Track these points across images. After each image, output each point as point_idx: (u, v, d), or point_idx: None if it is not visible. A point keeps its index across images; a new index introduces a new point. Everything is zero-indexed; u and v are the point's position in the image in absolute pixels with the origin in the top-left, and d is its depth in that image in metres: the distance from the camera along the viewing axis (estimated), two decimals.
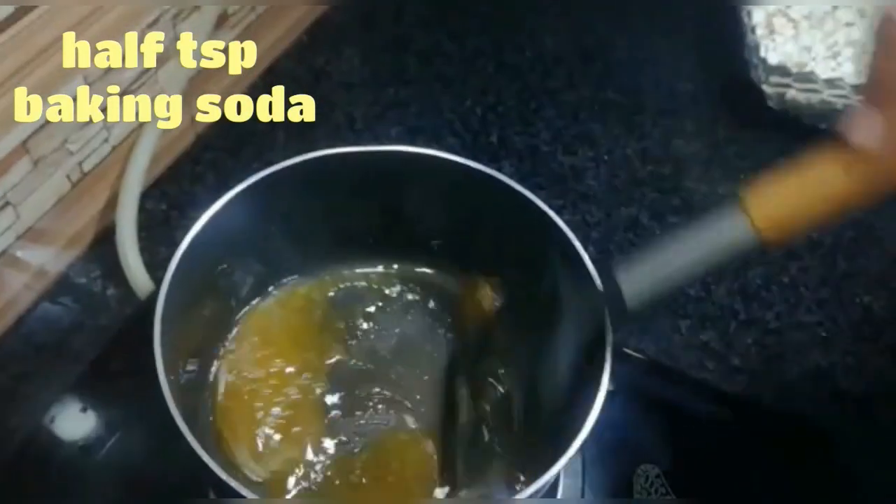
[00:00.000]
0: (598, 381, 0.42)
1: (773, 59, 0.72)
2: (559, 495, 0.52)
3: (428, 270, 0.58)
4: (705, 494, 0.55)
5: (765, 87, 0.74)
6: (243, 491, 0.39)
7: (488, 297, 0.53)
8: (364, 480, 0.50)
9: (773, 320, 0.65)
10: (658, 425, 0.58)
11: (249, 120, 0.74)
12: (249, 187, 0.48)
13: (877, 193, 0.38)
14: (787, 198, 0.39)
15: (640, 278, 0.42)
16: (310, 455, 0.51)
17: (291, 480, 0.50)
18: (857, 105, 0.37)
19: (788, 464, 0.58)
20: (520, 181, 0.50)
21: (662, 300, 0.42)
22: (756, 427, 0.59)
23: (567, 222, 0.49)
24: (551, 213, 0.48)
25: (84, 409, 0.56)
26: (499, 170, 0.51)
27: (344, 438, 0.52)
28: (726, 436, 0.59)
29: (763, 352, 0.63)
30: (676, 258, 0.41)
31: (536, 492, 0.40)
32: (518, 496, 0.39)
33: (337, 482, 0.50)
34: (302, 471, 0.50)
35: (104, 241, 0.64)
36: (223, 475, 0.39)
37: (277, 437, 0.51)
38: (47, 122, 0.54)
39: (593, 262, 0.46)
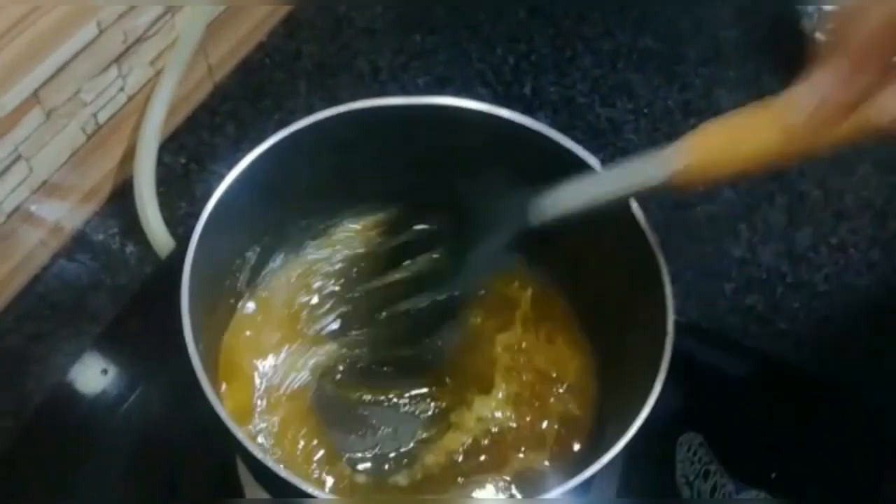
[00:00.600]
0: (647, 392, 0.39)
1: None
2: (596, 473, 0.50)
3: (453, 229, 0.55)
4: (749, 463, 0.53)
5: (818, 35, 0.69)
6: (268, 462, 0.37)
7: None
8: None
9: (822, 283, 0.62)
10: (702, 392, 0.56)
11: (269, 68, 0.71)
12: (276, 144, 0.44)
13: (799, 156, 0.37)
14: (715, 145, 0.38)
15: (556, 194, 0.42)
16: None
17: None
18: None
19: (836, 431, 0.55)
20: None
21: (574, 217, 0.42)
22: (803, 395, 0.57)
23: None
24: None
25: (104, 371, 0.54)
26: None
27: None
28: (772, 403, 0.56)
29: (811, 316, 0.60)
30: (593, 182, 0.42)
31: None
32: (559, 489, 0.37)
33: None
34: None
35: (122, 195, 0.61)
36: (249, 445, 0.37)
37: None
38: (59, 69, 0.51)
39: None
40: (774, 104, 0.36)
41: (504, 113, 0.47)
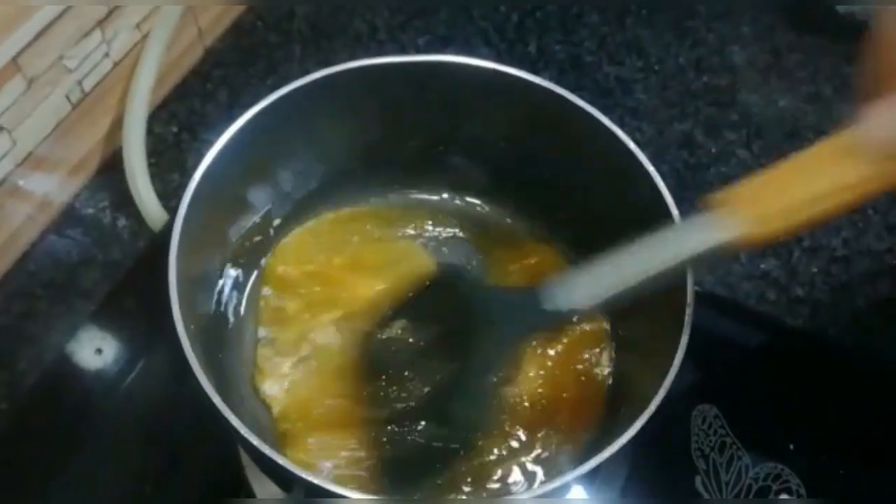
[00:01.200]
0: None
1: None
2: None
3: (473, 201, 0.53)
4: (766, 435, 0.51)
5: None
6: (265, 448, 0.35)
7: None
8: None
9: (840, 247, 0.59)
10: (716, 362, 0.54)
11: (262, 31, 0.68)
12: (268, 107, 0.42)
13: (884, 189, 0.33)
14: (785, 189, 0.35)
15: (589, 280, 0.38)
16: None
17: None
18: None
19: (855, 401, 0.53)
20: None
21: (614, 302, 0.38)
22: (820, 363, 0.55)
23: None
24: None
25: (98, 350, 0.52)
26: None
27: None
28: (788, 372, 0.54)
29: (828, 281, 0.58)
30: (633, 261, 0.37)
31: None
32: (571, 474, 0.35)
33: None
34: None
35: (111, 167, 0.59)
36: (242, 428, 0.35)
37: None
38: (39, 34, 0.48)
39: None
40: (837, 138, 0.33)
41: (510, 70, 0.45)
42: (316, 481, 0.33)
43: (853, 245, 0.60)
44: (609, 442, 0.35)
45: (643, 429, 0.47)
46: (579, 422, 0.46)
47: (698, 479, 0.49)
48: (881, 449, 0.52)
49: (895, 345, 0.56)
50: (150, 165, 0.58)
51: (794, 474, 0.50)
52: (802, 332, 0.56)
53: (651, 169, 0.42)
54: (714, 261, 0.35)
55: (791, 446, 0.51)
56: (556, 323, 0.41)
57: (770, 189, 0.35)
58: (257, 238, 0.49)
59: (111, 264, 0.55)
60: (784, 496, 0.49)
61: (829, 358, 0.55)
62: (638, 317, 0.45)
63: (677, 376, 0.47)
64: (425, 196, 0.53)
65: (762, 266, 0.58)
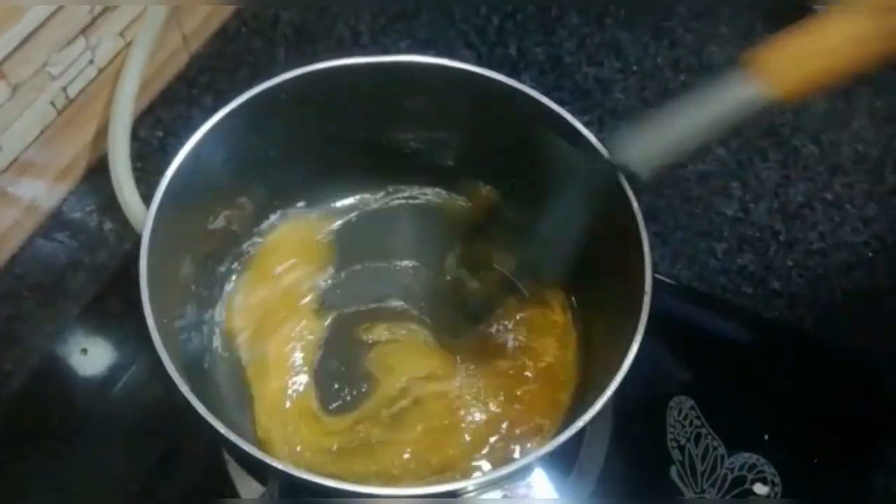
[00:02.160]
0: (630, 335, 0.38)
1: None
2: (586, 437, 0.49)
3: (439, 191, 0.55)
4: (741, 426, 0.52)
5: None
6: (245, 446, 0.36)
7: (487, 192, 0.52)
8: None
9: (817, 240, 0.60)
10: (692, 355, 0.55)
11: (246, 36, 0.69)
12: (245, 103, 0.43)
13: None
14: (807, 49, 0.39)
15: (649, 145, 0.41)
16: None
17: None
18: None
19: (830, 393, 0.54)
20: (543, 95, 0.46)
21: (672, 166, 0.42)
22: (796, 356, 0.56)
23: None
24: (542, 99, 0.46)
25: (84, 351, 0.53)
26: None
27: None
28: (764, 364, 0.55)
29: (805, 274, 0.59)
30: (685, 122, 0.40)
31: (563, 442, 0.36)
32: (546, 447, 0.36)
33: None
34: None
35: (98, 172, 0.60)
36: (222, 428, 0.36)
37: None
38: (24, 41, 0.49)
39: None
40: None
41: (486, 73, 0.46)
42: (288, 470, 0.34)
43: (829, 238, 0.60)
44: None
45: (620, 419, 0.49)
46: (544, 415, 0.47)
47: (674, 470, 0.50)
48: (856, 439, 0.53)
49: (871, 336, 0.57)
50: (136, 170, 0.58)
51: (770, 464, 0.51)
52: (779, 325, 0.57)
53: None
54: (756, 114, 0.38)
55: (766, 437, 0.52)
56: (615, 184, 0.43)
57: (792, 46, 0.38)
58: (235, 236, 0.50)
59: (97, 267, 0.56)
60: (759, 486, 0.50)
61: (805, 350, 0.56)
62: (601, 304, 0.46)
63: (652, 369, 0.48)
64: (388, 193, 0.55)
65: (739, 260, 0.59)
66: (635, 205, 0.42)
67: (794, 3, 0.69)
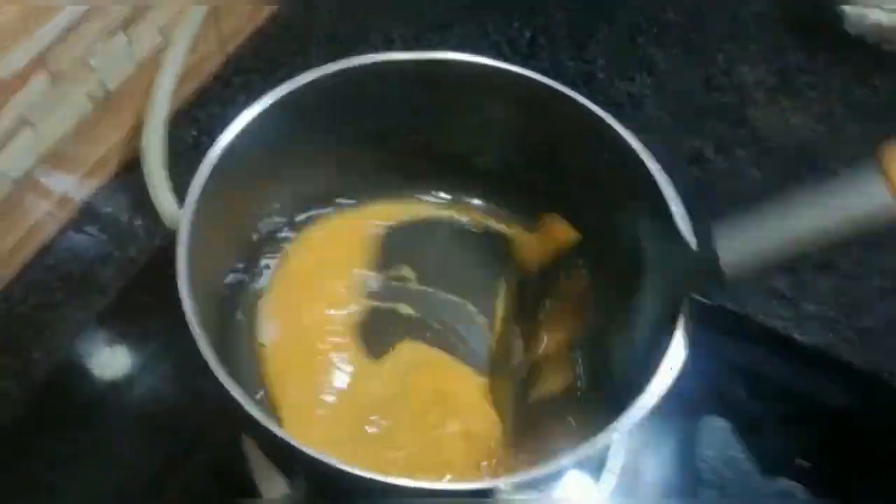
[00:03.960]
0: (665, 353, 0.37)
1: None
2: (611, 456, 0.48)
3: (483, 203, 0.54)
4: (774, 450, 0.51)
5: (845, 8, 0.67)
6: (278, 431, 0.36)
7: (564, 232, 0.47)
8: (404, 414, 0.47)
9: (854, 265, 0.59)
10: (723, 377, 0.54)
11: (282, 41, 0.69)
12: (282, 99, 0.43)
13: None
14: None
15: (745, 244, 0.35)
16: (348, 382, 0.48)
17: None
18: None
19: (867, 419, 0.53)
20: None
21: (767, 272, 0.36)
22: (830, 382, 0.55)
23: None
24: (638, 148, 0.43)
25: (111, 343, 0.53)
26: None
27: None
28: (797, 391, 0.54)
29: (840, 299, 0.58)
30: (793, 225, 0.34)
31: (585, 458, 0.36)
32: (583, 449, 0.36)
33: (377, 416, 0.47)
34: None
35: (131, 167, 0.60)
36: (258, 415, 0.36)
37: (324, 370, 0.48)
38: (66, 30, 0.49)
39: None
40: None
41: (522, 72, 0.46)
42: (318, 456, 0.33)
43: (866, 263, 0.60)
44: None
45: (649, 434, 0.48)
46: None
47: (703, 492, 0.49)
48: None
49: None
50: (169, 167, 0.58)
51: (807, 492, 0.49)
52: (812, 350, 0.56)
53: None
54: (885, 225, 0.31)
55: (801, 462, 0.51)
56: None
57: None
58: (270, 232, 0.50)
59: (127, 261, 0.56)
60: None
61: (839, 377, 0.55)
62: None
63: (685, 386, 0.47)
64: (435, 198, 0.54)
65: (773, 282, 0.58)
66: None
67: (819, 15, 0.70)
